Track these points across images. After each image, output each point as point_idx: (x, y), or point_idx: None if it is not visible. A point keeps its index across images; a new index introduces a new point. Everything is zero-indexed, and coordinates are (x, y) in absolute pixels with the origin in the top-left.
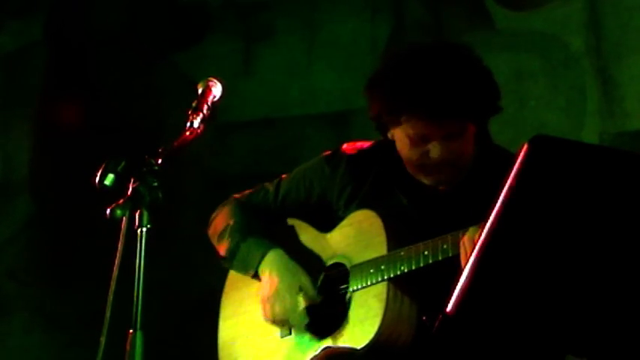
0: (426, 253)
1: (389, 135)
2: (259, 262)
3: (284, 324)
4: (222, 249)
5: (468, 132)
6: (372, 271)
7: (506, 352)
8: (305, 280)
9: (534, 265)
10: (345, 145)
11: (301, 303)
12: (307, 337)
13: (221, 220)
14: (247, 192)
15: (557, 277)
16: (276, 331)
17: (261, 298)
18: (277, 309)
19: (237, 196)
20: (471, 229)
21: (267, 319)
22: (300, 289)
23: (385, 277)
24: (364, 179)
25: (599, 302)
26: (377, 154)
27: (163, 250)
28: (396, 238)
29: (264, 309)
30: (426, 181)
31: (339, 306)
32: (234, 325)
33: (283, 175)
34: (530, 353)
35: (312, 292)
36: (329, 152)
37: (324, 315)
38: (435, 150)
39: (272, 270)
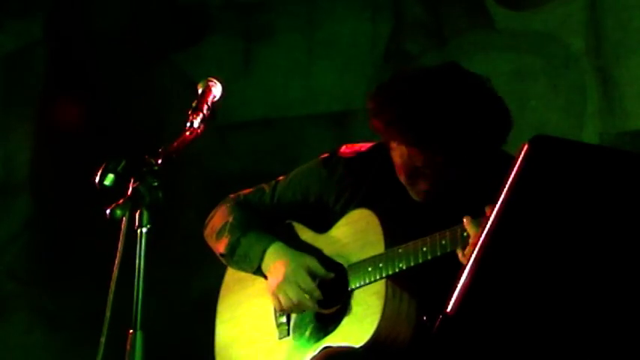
0: (424, 249)
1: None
2: (262, 257)
3: (300, 308)
4: (222, 245)
5: (463, 162)
6: (370, 269)
7: (506, 352)
8: (310, 260)
9: (535, 265)
10: (343, 148)
11: (312, 282)
12: (306, 336)
13: (219, 218)
14: (244, 192)
15: (558, 277)
16: (274, 332)
17: (271, 292)
18: (291, 293)
19: (233, 196)
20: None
21: (282, 311)
22: (308, 270)
23: (384, 275)
24: (362, 182)
25: (600, 302)
26: (376, 156)
27: (163, 250)
28: (393, 235)
29: (276, 301)
30: (416, 198)
31: (337, 305)
32: (231, 328)
33: (280, 177)
34: (530, 353)
35: (321, 270)
36: (325, 155)
37: (324, 315)
38: (422, 184)
39: (276, 261)
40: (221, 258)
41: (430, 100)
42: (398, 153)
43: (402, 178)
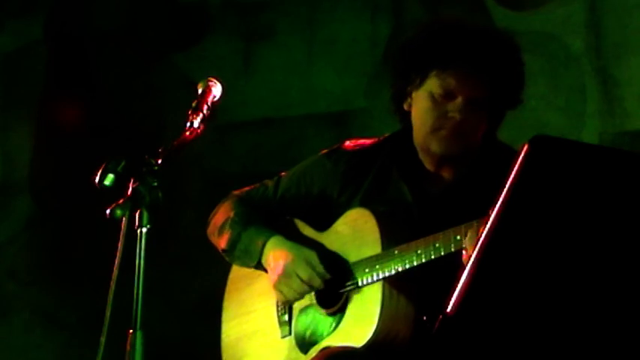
0: (419, 252)
1: (405, 106)
2: (262, 251)
3: (303, 297)
4: (223, 241)
5: (483, 116)
6: (367, 270)
7: (506, 352)
8: (310, 253)
9: (535, 265)
10: (347, 142)
11: (312, 272)
12: (307, 336)
13: (221, 215)
14: (247, 188)
15: (558, 277)
16: (277, 331)
17: (273, 285)
18: (293, 284)
19: (236, 192)
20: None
21: (285, 304)
22: (308, 262)
23: (380, 277)
24: (367, 174)
25: (600, 302)
26: (380, 149)
27: (163, 250)
28: (391, 236)
29: (279, 293)
30: (435, 148)
31: (337, 304)
32: (237, 326)
33: (283, 173)
34: (530, 353)
35: (319, 266)
36: (328, 150)
37: (324, 314)
38: (455, 107)
39: (275, 254)
40: (223, 254)
41: (460, 23)
42: (426, 95)
43: (427, 126)
